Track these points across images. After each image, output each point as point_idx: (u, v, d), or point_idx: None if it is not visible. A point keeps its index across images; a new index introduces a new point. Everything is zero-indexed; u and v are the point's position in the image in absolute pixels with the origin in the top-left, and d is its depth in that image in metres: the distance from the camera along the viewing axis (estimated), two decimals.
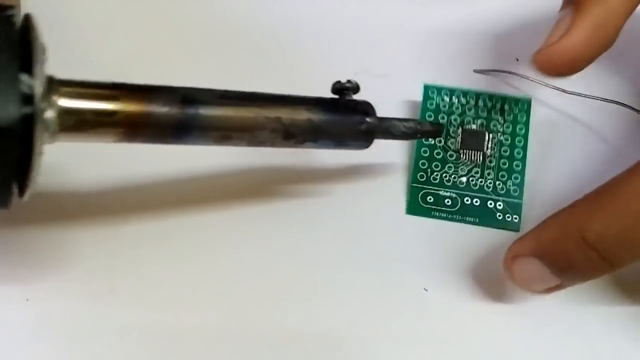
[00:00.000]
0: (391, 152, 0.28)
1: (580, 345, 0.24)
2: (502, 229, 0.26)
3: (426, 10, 0.32)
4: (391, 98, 0.28)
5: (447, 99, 0.28)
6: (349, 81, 0.24)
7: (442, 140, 0.28)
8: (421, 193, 0.27)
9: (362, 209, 0.27)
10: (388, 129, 0.25)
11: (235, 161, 0.28)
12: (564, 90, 0.27)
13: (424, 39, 0.31)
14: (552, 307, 0.25)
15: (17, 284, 0.25)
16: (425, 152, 0.28)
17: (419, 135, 0.25)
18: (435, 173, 0.27)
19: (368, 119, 0.24)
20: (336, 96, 0.24)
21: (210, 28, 0.32)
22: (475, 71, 0.29)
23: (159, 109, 0.21)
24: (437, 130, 0.26)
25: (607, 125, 0.28)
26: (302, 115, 0.23)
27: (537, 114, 0.28)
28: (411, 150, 0.28)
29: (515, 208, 0.26)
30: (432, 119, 0.28)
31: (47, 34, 0.31)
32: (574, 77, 0.24)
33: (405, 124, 0.25)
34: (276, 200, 0.27)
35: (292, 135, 0.23)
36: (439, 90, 0.28)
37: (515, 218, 0.26)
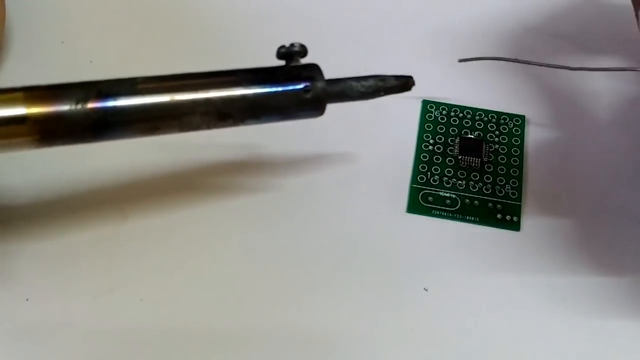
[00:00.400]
0: (392, 150, 0.28)
1: (583, 345, 0.24)
2: (502, 228, 0.26)
3: (426, 10, 0.32)
4: (390, 98, 0.28)
5: (445, 112, 0.29)
6: (292, 45, 0.22)
7: (442, 147, 0.28)
8: (421, 193, 0.27)
9: (362, 207, 0.27)
10: (343, 92, 0.23)
11: (229, 153, 0.28)
12: (569, 68, 0.27)
13: (424, 39, 0.31)
14: (552, 307, 0.25)
15: (17, 284, 0.25)
16: (424, 157, 0.28)
17: (382, 92, 0.24)
18: (435, 176, 0.27)
19: (314, 85, 0.22)
20: (282, 61, 0.22)
21: (212, 26, 0.32)
22: (460, 61, 0.28)
23: (71, 107, 0.20)
24: (404, 84, 0.24)
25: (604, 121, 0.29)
26: (235, 91, 0.21)
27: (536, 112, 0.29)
28: (412, 149, 0.28)
29: (514, 210, 0.26)
30: (430, 129, 0.28)
31: (47, 34, 0.31)
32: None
33: (363, 82, 0.23)
34: (274, 199, 0.27)
35: (227, 116, 0.21)
36: (437, 105, 0.29)
37: (515, 218, 0.26)
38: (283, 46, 0.22)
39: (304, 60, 0.23)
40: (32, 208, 0.26)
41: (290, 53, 0.22)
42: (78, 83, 0.20)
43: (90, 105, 0.20)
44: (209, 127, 0.22)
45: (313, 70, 0.22)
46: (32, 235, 0.26)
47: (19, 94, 0.20)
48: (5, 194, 0.26)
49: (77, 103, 0.20)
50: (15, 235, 0.26)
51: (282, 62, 0.22)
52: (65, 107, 0.20)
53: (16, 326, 0.24)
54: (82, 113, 0.20)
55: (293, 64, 0.22)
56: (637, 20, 0.23)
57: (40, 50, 0.30)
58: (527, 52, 0.30)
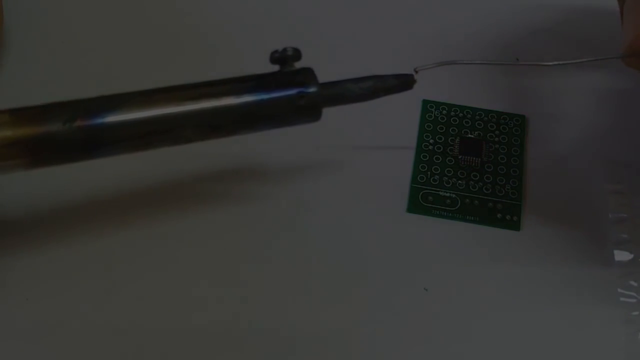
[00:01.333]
0: (392, 150, 0.28)
1: (582, 343, 0.24)
2: (502, 228, 0.26)
3: (426, 10, 0.32)
4: (391, 98, 0.28)
5: (445, 112, 0.29)
6: (285, 49, 0.21)
7: (442, 147, 0.28)
8: (421, 193, 0.27)
9: (362, 207, 0.27)
10: (339, 95, 0.22)
11: (229, 155, 0.28)
12: (543, 64, 0.25)
13: (424, 39, 0.31)
14: (551, 306, 0.25)
15: (17, 284, 0.25)
16: (424, 157, 0.28)
17: (382, 93, 0.23)
18: (435, 176, 0.27)
19: (307, 91, 0.21)
20: (276, 66, 0.22)
21: (210, 26, 0.32)
22: (417, 70, 0.25)
23: (59, 127, 0.19)
24: (405, 82, 0.23)
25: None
26: (226, 101, 0.21)
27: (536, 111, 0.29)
28: (412, 149, 0.28)
29: (514, 209, 0.26)
30: (430, 129, 0.28)
31: (47, 34, 0.31)
32: None
33: (361, 84, 0.22)
34: (274, 199, 0.27)
35: (220, 127, 0.21)
36: (437, 105, 0.29)
37: (515, 218, 0.26)
38: (276, 51, 0.22)
39: (299, 64, 0.22)
40: (33, 209, 0.26)
41: (284, 57, 0.22)
42: (65, 102, 0.20)
43: (78, 123, 0.20)
44: (202, 139, 0.21)
45: (306, 75, 0.22)
46: (32, 235, 0.26)
47: (5, 116, 0.19)
48: (7, 193, 0.26)
49: (64, 123, 0.19)
50: (15, 235, 0.26)
51: (276, 67, 0.22)
52: (53, 128, 0.19)
53: (16, 326, 0.24)
54: (71, 132, 0.20)
55: (287, 68, 0.22)
56: (621, 14, 0.23)
57: (40, 50, 0.30)
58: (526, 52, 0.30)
